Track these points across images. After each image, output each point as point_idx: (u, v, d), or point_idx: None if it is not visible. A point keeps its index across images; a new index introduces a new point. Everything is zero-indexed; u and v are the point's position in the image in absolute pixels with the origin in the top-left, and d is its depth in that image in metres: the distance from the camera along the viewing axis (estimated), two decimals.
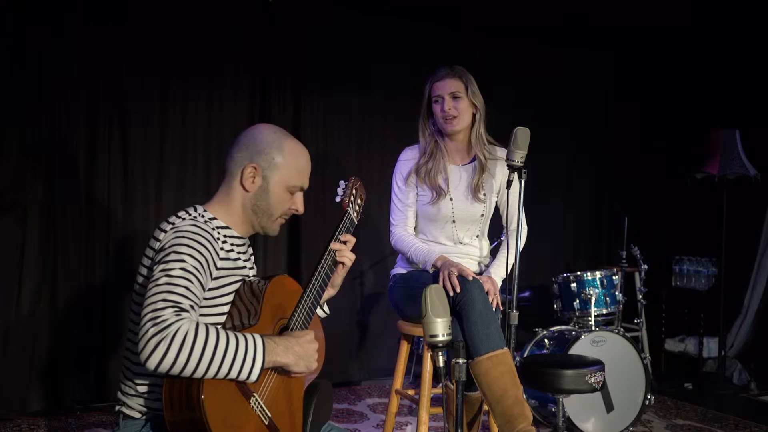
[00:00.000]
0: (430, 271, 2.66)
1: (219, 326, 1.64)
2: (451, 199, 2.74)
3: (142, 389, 1.69)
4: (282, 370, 1.68)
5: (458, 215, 2.74)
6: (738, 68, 4.82)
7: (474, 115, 2.76)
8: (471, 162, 2.80)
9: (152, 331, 1.47)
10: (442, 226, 2.76)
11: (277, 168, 1.80)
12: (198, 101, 4.04)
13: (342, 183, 2.08)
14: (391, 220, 2.82)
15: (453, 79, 2.70)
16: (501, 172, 2.78)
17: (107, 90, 3.79)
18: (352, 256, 1.98)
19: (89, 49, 3.73)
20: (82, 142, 3.75)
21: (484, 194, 2.75)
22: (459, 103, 2.70)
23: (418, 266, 2.73)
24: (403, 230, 2.78)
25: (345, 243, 1.98)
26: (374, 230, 4.36)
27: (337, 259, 1.95)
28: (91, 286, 3.77)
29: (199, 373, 1.49)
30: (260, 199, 1.81)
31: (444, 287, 2.47)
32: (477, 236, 2.82)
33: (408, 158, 2.81)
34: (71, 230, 3.71)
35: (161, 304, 1.51)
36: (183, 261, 1.60)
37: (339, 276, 2.00)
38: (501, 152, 2.79)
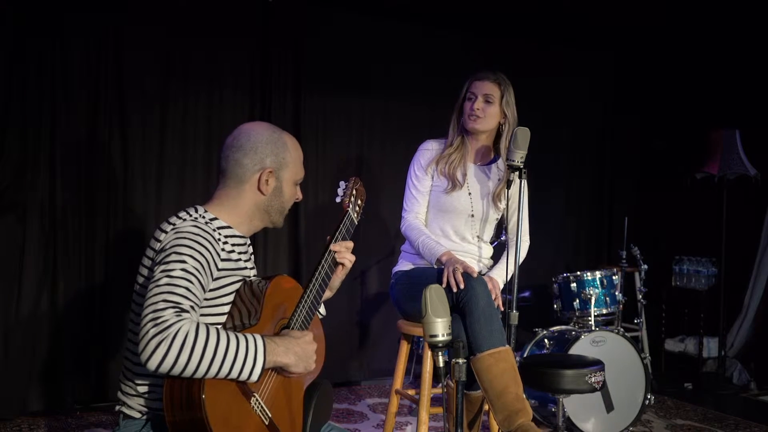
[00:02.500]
0: (435, 266, 2.67)
1: (219, 326, 1.64)
2: (470, 194, 2.76)
3: (143, 389, 1.69)
4: (281, 370, 1.68)
5: (476, 212, 2.77)
6: (737, 68, 4.82)
7: (500, 125, 2.78)
8: (488, 164, 2.83)
9: (153, 331, 1.47)
10: (454, 217, 2.77)
11: (287, 165, 1.84)
12: (198, 101, 4.04)
13: (342, 183, 2.08)
14: (404, 206, 2.84)
15: (491, 83, 2.75)
16: (514, 184, 2.78)
17: (107, 90, 3.79)
18: (352, 258, 1.99)
19: (89, 49, 3.73)
20: (82, 142, 3.75)
21: (501, 202, 2.79)
22: (489, 107, 2.73)
23: (423, 260, 2.75)
24: (415, 218, 2.80)
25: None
26: (374, 230, 4.36)
27: (337, 259, 1.95)
28: (91, 286, 3.77)
29: (199, 374, 1.49)
30: (275, 199, 1.84)
31: (448, 283, 2.48)
32: (483, 235, 2.84)
33: (430, 148, 2.84)
34: (71, 230, 3.71)
35: (162, 305, 1.51)
36: (184, 262, 1.60)
37: (338, 278, 2.00)
38: None
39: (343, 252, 1.96)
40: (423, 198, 2.81)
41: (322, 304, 2.08)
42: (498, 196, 2.78)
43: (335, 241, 1.96)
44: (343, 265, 1.98)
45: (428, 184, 2.80)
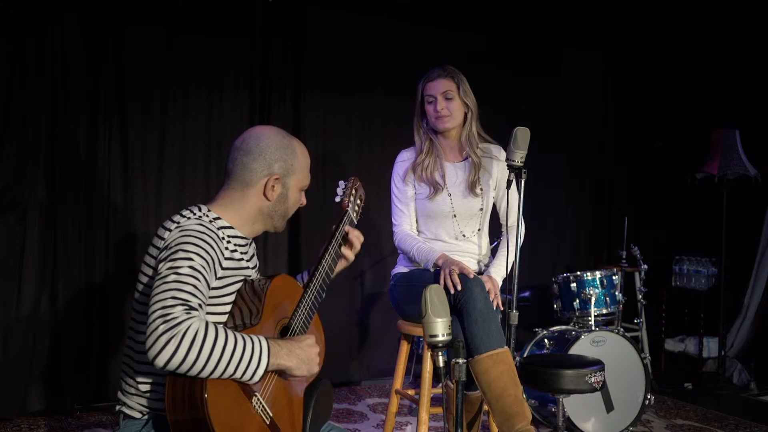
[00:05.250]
0: (432, 270, 2.67)
1: (222, 325, 1.64)
2: (449, 194, 2.76)
3: (144, 388, 1.70)
4: (283, 373, 1.68)
5: (458, 210, 2.77)
6: (738, 68, 4.82)
7: (466, 115, 2.78)
8: (465, 159, 2.83)
9: (163, 327, 1.47)
10: (442, 221, 2.78)
11: (294, 172, 1.84)
12: (198, 101, 4.04)
13: (341, 183, 2.08)
14: (393, 220, 2.85)
15: (445, 80, 2.74)
16: (497, 169, 2.81)
17: (107, 90, 3.79)
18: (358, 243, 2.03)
19: (89, 49, 3.73)
20: (82, 142, 3.75)
21: (481, 189, 2.78)
22: (451, 103, 2.74)
23: (420, 265, 2.74)
24: (406, 229, 2.80)
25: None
26: (374, 230, 4.36)
27: (343, 251, 1.99)
28: (91, 286, 3.77)
29: (205, 372, 1.49)
30: (279, 204, 1.84)
31: (445, 285, 2.48)
32: (478, 230, 2.83)
33: (404, 159, 2.85)
34: (71, 230, 3.70)
35: (171, 302, 1.51)
36: (191, 259, 1.60)
37: (338, 268, 2.03)
38: (496, 150, 2.83)
39: (356, 241, 2.01)
40: (409, 208, 2.82)
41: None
42: (473, 184, 2.76)
43: (336, 241, 1.96)
44: (345, 258, 2.01)
45: (411, 194, 2.81)
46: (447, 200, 2.76)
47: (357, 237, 2.02)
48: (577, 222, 5.37)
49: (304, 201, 1.92)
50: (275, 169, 1.80)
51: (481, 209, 2.81)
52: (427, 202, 2.76)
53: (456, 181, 2.79)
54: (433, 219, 2.78)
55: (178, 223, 1.70)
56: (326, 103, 4.41)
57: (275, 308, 1.75)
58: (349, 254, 2.03)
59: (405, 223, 2.81)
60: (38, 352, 3.62)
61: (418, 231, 2.85)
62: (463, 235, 2.79)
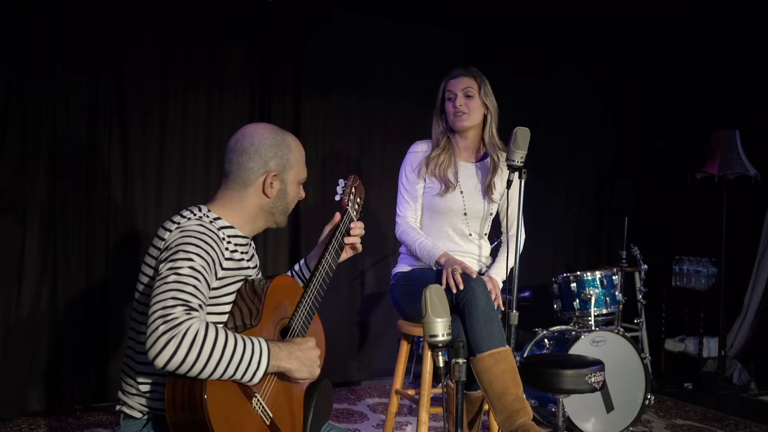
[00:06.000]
0: (434, 268, 2.67)
1: (222, 326, 1.65)
2: (461, 192, 2.76)
3: (144, 388, 1.69)
4: (283, 373, 1.68)
5: (469, 209, 2.76)
6: (738, 68, 4.82)
7: (485, 116, 2.78)
8: (481, 160, 2.83)
9: (163, 328, 1.47)
10: (451, 219, 2.77)
11: (291, 167, 1.84)
12: (198, 101, 4.04)
13: (341, 182, 2.08)
14: (398, 211, 2.83)
15: (467, 77, 2.75)
16: (507, 175, 2.79)
17: (107, 90, 3.79)
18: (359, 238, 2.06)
19: (89, 49, 3.73)
20: (82, 142, 3.75)
21: (492, 192, 2.78)
22: (471, 101, 2.73)
23: (422, 262, 2.74)
24: (410, 222, 2.80)
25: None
26: (374, 230, 4.35)
27: (346, 242, 2.01)
28: (91, 286, 3.77)
29: (205, 373, 1.49)
30: (279, 200, 1.84)
31: (447, 284, 2.48)
32: (482, 233, 2.83)
33: (418, 150, 2.83)
34: (71, 230, 3.71)
35: (171, 302, 1.51)
36: (191, 260, 1.60)
37: (344, 256, 2.05)
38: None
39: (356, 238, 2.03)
40: (416, 201, 2.81)
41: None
42: (489, 187, 2.77)
43: (336, 240, 1.96)
44: (353, 245, 2.04)
45: (420, 187, 2.80)
46: (459, 198, 2.75)
47: (358, 227, 2.05)
48: (577, 222, 5.37)
49: (303, 194, 1.92)
50: (272, 166, 1.80)
51: (491, 213, 2.83)
52: (436, 198, 2.75)
53: (469, 181, 2.78)
54: (440, 215, 2.77)
55: (178, 223, 1.70)
56: (326, 103, 4.41)
57: (275, 308, 1.75)
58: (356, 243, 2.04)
59: (409, 216, 2.80)
60: (38, 352, 3.62)
61: (422, 226, 2.83)
62: (469, 235, 2.79)
